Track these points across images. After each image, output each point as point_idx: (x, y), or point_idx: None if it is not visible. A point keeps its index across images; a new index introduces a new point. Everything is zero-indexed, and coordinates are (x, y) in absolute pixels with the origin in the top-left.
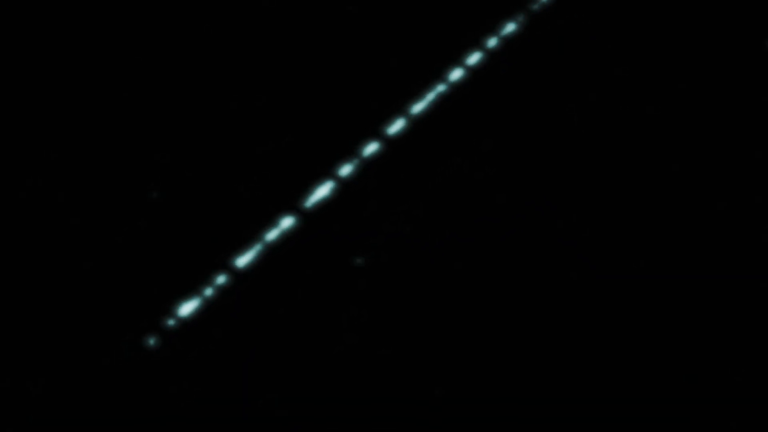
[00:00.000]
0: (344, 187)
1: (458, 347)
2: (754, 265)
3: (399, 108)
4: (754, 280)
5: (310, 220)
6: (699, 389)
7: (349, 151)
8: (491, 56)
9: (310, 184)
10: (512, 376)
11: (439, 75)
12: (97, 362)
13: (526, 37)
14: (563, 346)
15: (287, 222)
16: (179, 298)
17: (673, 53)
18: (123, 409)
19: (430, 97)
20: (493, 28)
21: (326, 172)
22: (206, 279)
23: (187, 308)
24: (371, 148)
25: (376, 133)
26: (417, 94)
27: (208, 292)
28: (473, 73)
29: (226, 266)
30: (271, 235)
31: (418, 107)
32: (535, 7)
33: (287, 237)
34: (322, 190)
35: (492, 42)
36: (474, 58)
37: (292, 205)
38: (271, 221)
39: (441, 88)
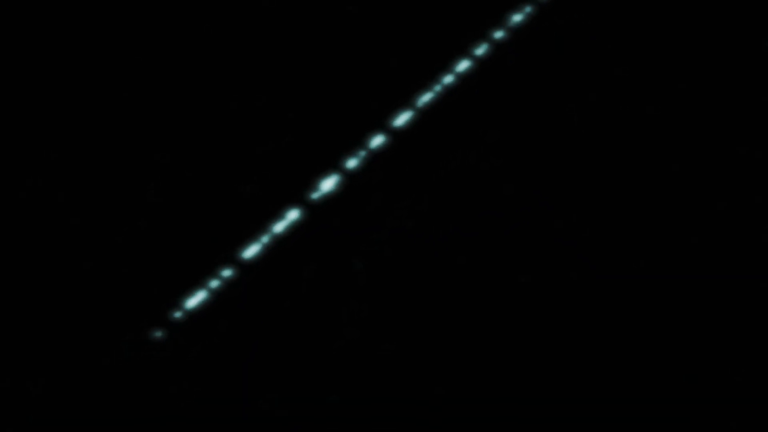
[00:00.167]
0: (350, 179)
1: (460, 344)
2: (754, 265)
3: (405, 100)
4: (754, 280)
5: (316, 212)
6: (699, 389)
7: (356, 144)
8: (498, 48)
9: (317, 176)
10: (512, 375)
11: (446, 66)
12: (104, 355)
13: (533, 28)
14: (563, 345)
15: (293, 215)
16: (186, 291)
17: (673, 53)
18: (130, 402)
19: (437, 89)
20: (500, 20)
21: (332, 164)
22: (213, 271)
23: (194, 301)
24: (377, 141)
25: (383, 126)
26: (423, 86)
27: (215, 284)
28: (480, 64)
29: (233, 259)
30: (278, 227)
31: (424, 99)
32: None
33: (293, 230)
34: (328, 183)
35: (499, 33)
36: (481, 50)
37: (298, 197)
38: (277, 214)
39: (448, 79)
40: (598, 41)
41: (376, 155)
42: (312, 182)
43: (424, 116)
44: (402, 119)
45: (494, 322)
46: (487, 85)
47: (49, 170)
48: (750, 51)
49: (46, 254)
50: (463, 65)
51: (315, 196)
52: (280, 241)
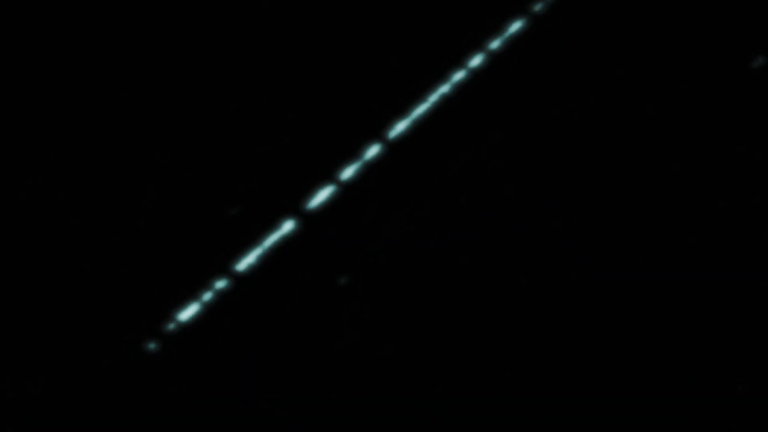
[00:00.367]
0: (345, 190)
1: (460, 344)
2: (754, 265)
3: (401, 110)
4: (754, 280)
5: (311, 223)
6: (699, 389)
7: (351, 154)
8: (493, 58)
9: (311, 187)
10: (512, 375)
11: (442, 77)
12: (98, 365)
13: (527, 39)
14: (564, 345)
15: (288, 225)
16: (179, 303)
17: (673, 54)
18: (123, 412)
19: (433, 99)
20: (495, 30)
21: (327, 175)
22: (206, 283)
23: (187, 313)
24: (373, 151)
25: (378, 136)
26: (419, 97)
27: (208, 296)
28: (475, 75)
29: (227, 270)
30: (272, 238)
31: (420, 109)
32: (537, 9)
33: (288, 241)
34: (324, 193)
35: (494, 44)
36: (476, 60)
37: (293, 208)
38: (272, 224)
39: (443, 90)
40: (592, 49)
41: (372, 165)
42: (307, 192)
43: (420, 126)
44: (398, 129)
45: (494, 322)
46: (482, 95)
47: (49, 170)
48: (750, 51)
49: (42, 259)
50: (459, 75)
51: (310, 206)
52: (274, 252)
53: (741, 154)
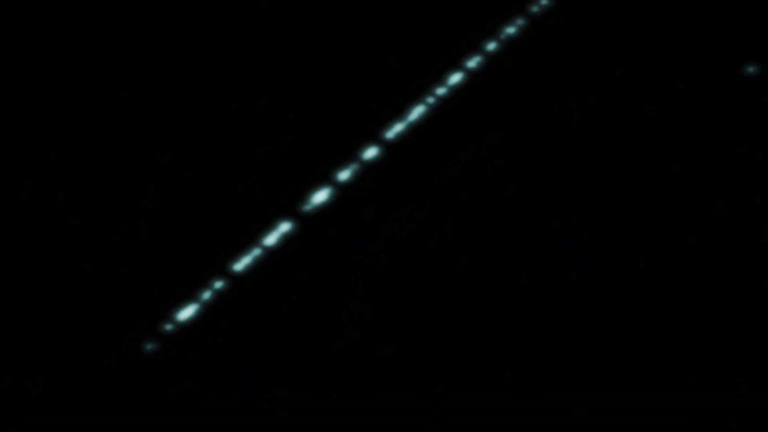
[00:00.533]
0: (343, 191)
1: (460, 344)
2: (754, 265)
3: (398, 112)
4: (754, 280)
5: (308, 224)
6: (699, 389)
7: (348, 156)
8: (491, 59)
9: (309, 188)
10: (512, 375)
11: (439, 78)
12: (96, 366)
13: (525, 40)
14: (564, 345)
15: (285, 226)
16: (177, 303)
17: (673, 54)
18: (121, 413)
19: (430, 100)
20: (492, 32)
21: (325, 176)
22: (204, 284)
23: (186, 313)
24: (370, 153)
25: (375, 137)
26: (416, 98)
27: (207, 296)
28: (473, 76)
29: (224, 271)
30: (270, 239)
31: (417, 111)
32: (535, 9)
33: (285, 241)
34: (321, 195)
35: (492, 45)
36: (473, 62)
37: (290, 209)
38: (269, 226)
39: (440, 91)
40: (592, 49)
41: (369, 167)
42: (304, 194)
43: (417, 128)
44: (395, 131)
45: (494, 322)
46: (480, 97)
47: (49, 170)
48: (750, 50)
49: (42, 259)
50: (456, 77)
51: (307, 207)
52: (272, 253)
53: (741, 154)
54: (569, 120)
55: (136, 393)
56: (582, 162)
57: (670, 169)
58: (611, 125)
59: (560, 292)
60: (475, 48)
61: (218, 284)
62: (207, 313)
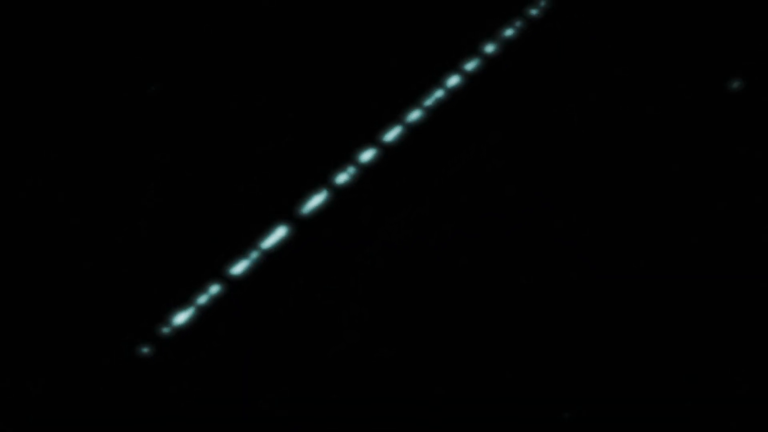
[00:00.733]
0: (340, 194)
1: (460, 344)
2: (754, 265)
3: (396, 114)
4: (754, 280)
5: (305, 228)
6: (699, 389)
7: (345, 158)
8: (489, 62)
9: (305, 191)
10: (512, 375)
11: (437, 81)
12: (93, 368)
13: (523, 42)
14: (564, 345)
15: (282, 230)
16: (174, 306)
17: (672, 54)
18: (117, 416)
19: (428, 103)
20: (490, 34)
21: (321, 179)
22: (200, 287)
23: (182, 317)
24: (367, 155)
25: (373, 140)
26: (414, 101)
27: (203, 300)
28: (471, 79)
29: (221, 275)
30: (266, 243)
31: (415, 114)
32: (533, 12)
33: (282, 245)
34: (318, 198)
35: (490, 48)
36: (471, 65)
37: (287, 213)
38: (265, 229)
39: (438, 94)
40: (592, 49)
41: (366, 170)
42: (301, 197)
43: (415, 131)
44: (393, 134)
45: (494, 322)
46: (478, 99)
47: (49, 170)
48: (750, 50)
49: (41, 260)
50: (454, 80)
51: (304, 211)
52: (268, 256)
53: (741, 154)
54: (569, 120)
55: (132, 396)
56: (582, 162)
57: (670, 169)
58: (611, 125)
59: (560, 292)
60: (473, 50)
61: (215, 288)
62: (203, 316)
